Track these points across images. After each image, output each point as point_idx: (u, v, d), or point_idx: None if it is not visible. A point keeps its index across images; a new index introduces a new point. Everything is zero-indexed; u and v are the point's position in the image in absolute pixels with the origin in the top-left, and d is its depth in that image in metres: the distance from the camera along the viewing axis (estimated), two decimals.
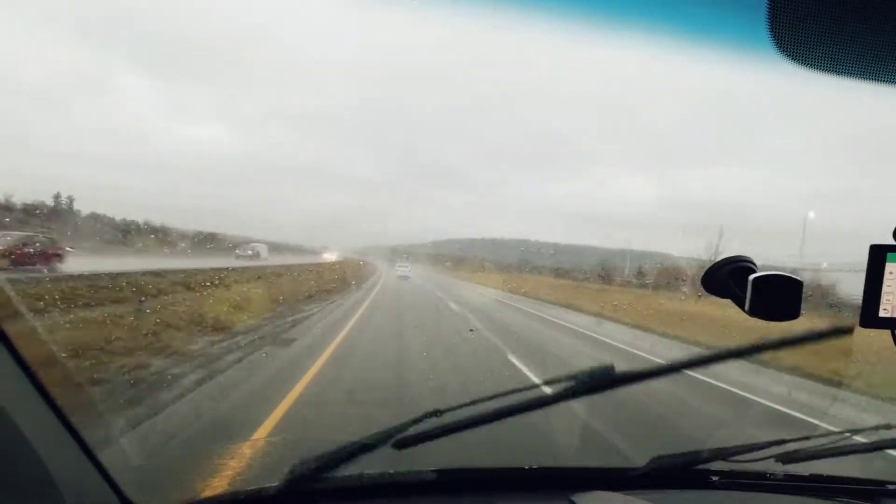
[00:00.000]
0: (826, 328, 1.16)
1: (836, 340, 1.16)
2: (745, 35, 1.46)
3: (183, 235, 23.84)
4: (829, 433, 1.72)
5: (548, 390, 1.16)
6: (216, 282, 15.96)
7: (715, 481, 1.63)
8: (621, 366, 1.14)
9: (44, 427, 1.16)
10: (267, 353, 9.06)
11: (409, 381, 7.69)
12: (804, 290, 1.22)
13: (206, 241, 25.53)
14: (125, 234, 21.88)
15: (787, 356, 11.73)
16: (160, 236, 22.56)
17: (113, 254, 19.27)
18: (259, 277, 19.89)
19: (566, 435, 4.88)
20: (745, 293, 1.24)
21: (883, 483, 1.71)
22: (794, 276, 1.23)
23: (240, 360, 8.42)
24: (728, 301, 1.27)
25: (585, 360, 10.38)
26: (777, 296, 1.22)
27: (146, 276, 14.44)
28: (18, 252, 13.42)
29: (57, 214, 20.82)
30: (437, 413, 1.24)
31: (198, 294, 14.06)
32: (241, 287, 16.42)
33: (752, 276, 1.22)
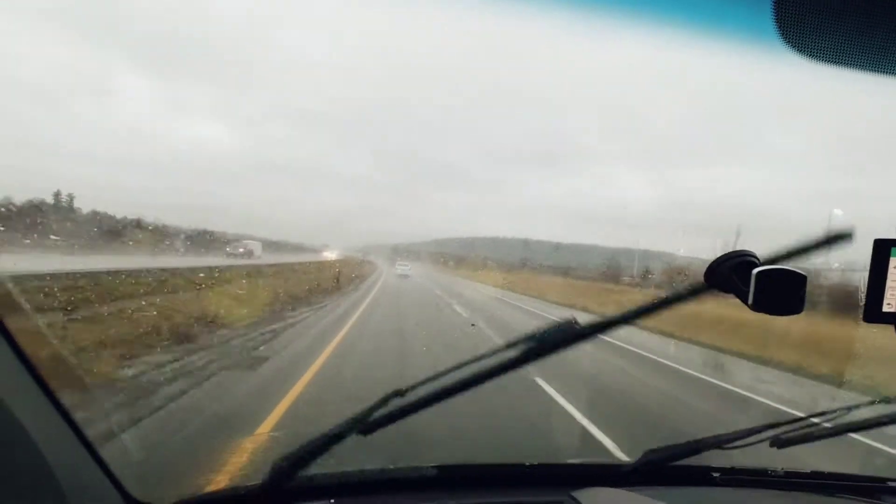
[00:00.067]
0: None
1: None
2: (750, 27, 1.45)
3: (177, 233, 23.58)
4: (824, 413, 1.69)
5: (511, 354, 1.08)
6: (194, 283, 14.65)
7: (716, 478, 1.63)
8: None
9: (44, 421, 1.16)
10: (220, 383, 6.93)
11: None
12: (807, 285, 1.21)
13: (199, 239, 25.26)
14: (113, 232, 21.05)
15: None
16: (152, 234, 22.06)
17: (100, 251, 18.29)
18: (247, 276, 19.13)
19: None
20: (748, 287, 1.23)
21: (883, 480, 1.71)
22: (797, 271, 1.22)
23: (182, 392, 6.31)
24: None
25: (607, 367, 10.00)
26: (781, 290, 1.21)
27: (113, 276, 12.73)
28: None
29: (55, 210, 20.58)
30: (399, 393, 1.17)
31: (162, 298, 12.01)
32: (222, 288, 15.22)
33: (755, 271, 1.21)
